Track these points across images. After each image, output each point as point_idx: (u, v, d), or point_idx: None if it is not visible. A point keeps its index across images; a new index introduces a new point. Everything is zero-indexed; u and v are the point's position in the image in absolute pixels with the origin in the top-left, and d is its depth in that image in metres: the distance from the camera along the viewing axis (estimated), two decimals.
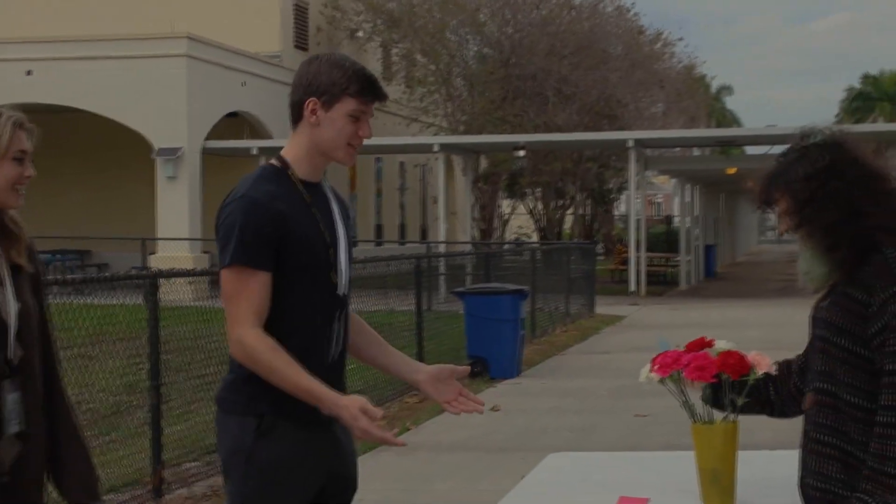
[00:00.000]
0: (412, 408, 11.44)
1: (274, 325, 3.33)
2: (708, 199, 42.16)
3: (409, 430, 10.24)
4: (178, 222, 26.72)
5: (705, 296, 29.46)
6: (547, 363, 15.34)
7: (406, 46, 35.51)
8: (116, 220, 29.88)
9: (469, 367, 3.80)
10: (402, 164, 38.99)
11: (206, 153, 27.69)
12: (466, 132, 33.94)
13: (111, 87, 26.60)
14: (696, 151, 43.89)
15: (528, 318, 16.10)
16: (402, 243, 36.50)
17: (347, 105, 3.39)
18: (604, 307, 23.35)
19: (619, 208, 56.41)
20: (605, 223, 51.02)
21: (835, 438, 2.99)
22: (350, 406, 3.24)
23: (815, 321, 3.09)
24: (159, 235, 26.87)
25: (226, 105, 28.48)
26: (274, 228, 3.33)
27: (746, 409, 3.35)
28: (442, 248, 29.53)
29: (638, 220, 30.67)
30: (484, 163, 36.56)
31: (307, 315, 3.40)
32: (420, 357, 12.82)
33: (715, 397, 3.35)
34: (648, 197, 51.84)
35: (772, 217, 3.23)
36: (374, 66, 33.01)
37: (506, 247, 32.70)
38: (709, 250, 39.38)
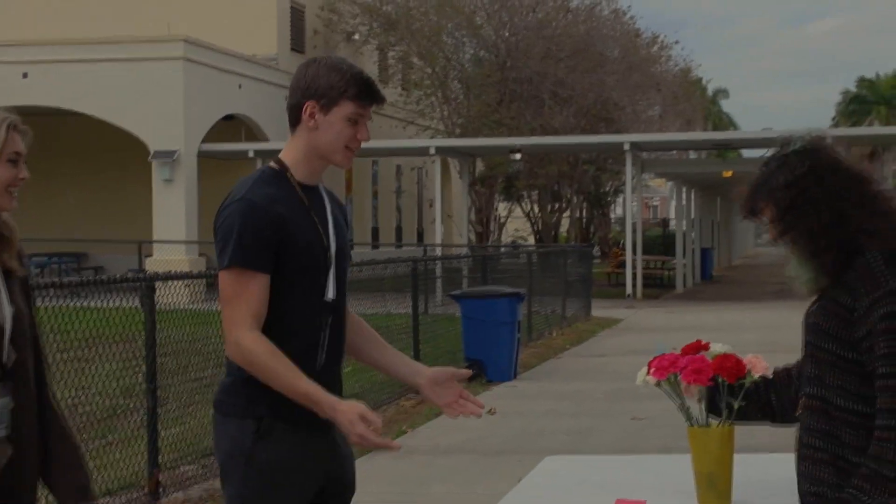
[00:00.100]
0: (408, 411, 11.44)
1: (270, 329, 3.33)
2: (704, 203, 42.19)
3: (405, 433, 10.24)
4: (174, 225, 26.70)
5: (701, 299, 29.47)
6: (543, 366, 15.34)
7: (402, 49, 35.54)
8: (113, 223, 29.87)
9: (469, 370, 3.79)
10: (398, 166, 39.00)
11: (203, 156, 27.68)
12: (463, 135, 33.96)
13: (107, 89, 26.60)
14: (692, 154, 43.97)
15: (525, 320, 16.10)
16: (399, 246, 36.50)
17: (346, 109, 3.40)
18: (600, 310, 23.36)
19: (616, 211, 56.49)
20: (602, 226, 51.05)
21: (826, 443, 3.01)
22: (348, 412, 3.24)
23: (806, 326, 3.11)
24: (155, 238, 26.86)
25: (222, 108, 28.48)
26: (273, 231, 3.33)
27: (749, 417, 3.37)
28: (438, 251, 29.53)
29: (634, 224, 30.68)
30: (480, 166, 36.57)
31: (303, 319, 3.40)
32: (416, 360, 12.82)
33: (714, 405, 3.37)
34: (645, 200, 51.89)
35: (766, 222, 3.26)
36: (370, 68, 33.03)
37: (502, 250, 32.71)
38: (705, 253, 39.42)
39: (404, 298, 13.51)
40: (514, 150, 30.02)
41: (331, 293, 3.45)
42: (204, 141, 27.64)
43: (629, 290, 28.68)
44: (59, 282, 7.02)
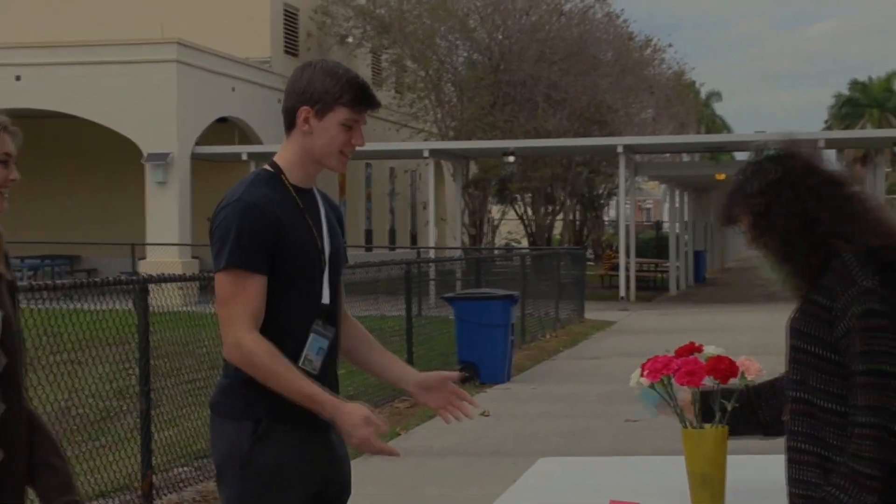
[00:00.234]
0: (402, 413, 11.45)
1: (265, 330, 3.33)
2: (697, 205, 42.24)
3: (399, 435, 10.24)
4: (167, 227, 26.68)
5: (695, 301, 29.50)
6: (537, 368, 15.35)
7: (396, 52, 35.53)
8: (106, 226, 29.84)
9: (460, 372, 3.79)
10: (391, 169, 38.99)
11: (196, 158, 27.66)
12: (456, 138, 33.96)
13: (101, 92, 26.57)
14: (685, 157, 44.02)
15: (518, 323, 16.12)
16: (392, 248, 36.49)
17: (340, 114, 3.40)
18: (593, 312, 23.37)
19: (609, 214, 56.51)
20: (595, 229, 51.05)
21: (812, 445, 3.03)
22: (353, 414, 3.25)
23: (790, 332, 3.14)
24: (149, 241, 26.83)
25: (215, 110, 28.47)
26: (270, 232, 3.33)
27: (741, 432, 3.39)
28: (432, 254, 29.53)
29: (627, 226, 30.71)
30: (474, 168, 36.58)
31: (298, 321, 3.40)
32: (410, 362, 12.82)
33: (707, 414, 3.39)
34: (638, 202, 51.93)
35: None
36: (363, 71, 33.03)
37: (496, 252, 32.72)
38: (698, 256, 39.45)
39: (398, 301, 13.52)
40: (507, 152, 30.03)
41: (325, 297, 3.45)
42: (197, 143, 27.62)
43: (622, 292, 28.70)
44: (52, 284, 7.01)
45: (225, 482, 3.41)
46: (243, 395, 3.36)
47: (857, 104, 72.43)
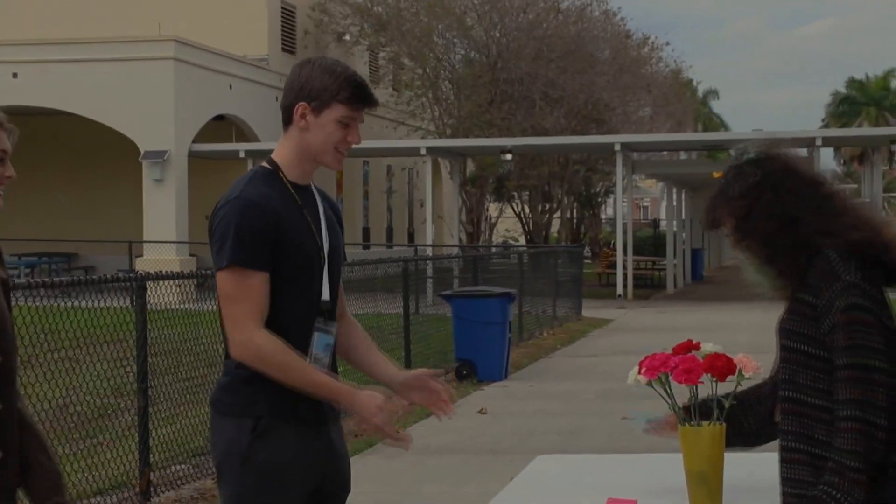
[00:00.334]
0: (399, 410, 11.44)
1: (265, 327, 3.35)
2: (695, 203, 42.24)
3: (396, 432, 10.23)
4: (164, 225, 26.67)
5: (692, 299, 29.51)
6: (534, 366, 15.36)
7: (393, 50, 35.52)
8: (103, 223, 29.82)
9: (436, 370, 3.77)
10: (389, 167, 38.99)
11: (193, 156, 27.65)
12: (453, 136, 33.96)
13: (98, 89, 26.55)
14: (682, 155, 44.04)
15: (516, 321, 16.12)
16: (390, 246, 36.49)
17: (337, 111, 3.41)
18: (591, 310, 23.37)
19: (606, 212, 56.53)
20: (593, 227, 51.08)
21: (803, 444, 3.05)
22: (368, 402, 3.31)
23: (779, 332, 3.17)
24: (146, 238, 26.81)
25: (213, 108, 28.46)
26: (270, 229, 3.33)
27: (729, 445, 3.42)
28: (429, 252, 29.53)
29: (625, 224, 30.70)
30: (471, 166, 36.58)
31: (297, 317, 3.40)
32: (407, 360, 12.83)
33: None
34: (635, 200, 51.97)
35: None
36: (361, 69, 33.00)
37: (493, 250, 32.72)
38: (696, 254, 39.47)
39: (395, 298, 13.52)
40: (504, 150, 30.03)
41: (326, 294, 3.46)
42: (194, 141, 27.61)
43: (620, 290, 28.71)
44: (50, 281, 7.01)
45: (225, 479, 3.42)
46: (243, 392, 3.37)
47: (855, 102, 72.48)
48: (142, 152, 26.72)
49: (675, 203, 36.94)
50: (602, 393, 12.48)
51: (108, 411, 10.10)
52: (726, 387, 3.36)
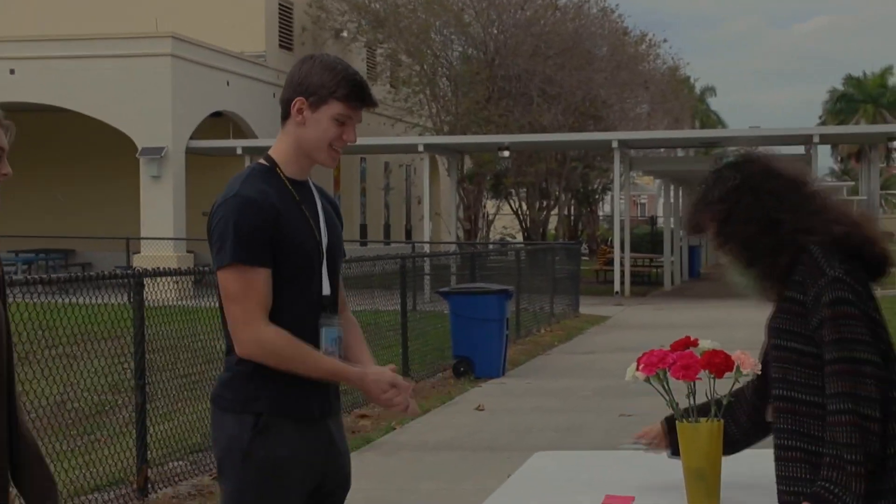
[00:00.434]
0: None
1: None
2: (692, 200, 42.20)
3: (394, 429, 10.25)
4: (162, 222, 26.66)
5: (689, 296, 29.51)
6: (532, 363, 15.36)
7: (391, 47, 35.50)
8: (100, 220, 29.80)
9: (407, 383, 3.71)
10: (386, 164, 38.97)
11: (191, 153, 27.63)
12: (451, 132, 33.95)
13: (95, 86, 26.53)
14: (680, 152, 44.01)
15: (513, 317, 16.12)
16: (387, 243, 36.48)
17: (334, 108, 3.41)
18: (588, 307, 23.38)
19: (604, 209, 56.57)
20: (590, 223, 51.12)
21: (798, 441, 3.06)
22: (378, 381, 3.41)
23: (769, 331, 3.20)
24: (143, 235, 26.81)
25: (210, 105, 28.44)
26: (268, 226, 3.34)
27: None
28: (427, 248, 29.53)
29: (622, 221, 30.71)
30: (468, 163, 36.57)
31: (296, 313, 3.41)
32: (405, 357, 12.84)
33: (678, 448, 3.45)
34: (633, 197, 51.98)
35: None
36: (358, 66, 32.99)
37: (490, 247, 32.73)
38: (693, 251, 39.46)
39: (393, 295, 13.52)
40: (502, 147, 30.02)
41: (326, 289, 3.47)
42: (192, 138, 27.59)
43: (617, 287, 28.71)
44: (47, 278, 7.00)
45: (225, 475, 3.43)
46: (244, 388, 3.38)
47: (852, 100, 72.52)
48: (139, 149, 26.70)
49: (672, 200, 36.94)
50: (599, 390, 12.48)
51: (106, 408, 10.10)
52: (723, 384, 3.36)
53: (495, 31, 35.51)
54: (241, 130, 30.18)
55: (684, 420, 3.36)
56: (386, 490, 8.04)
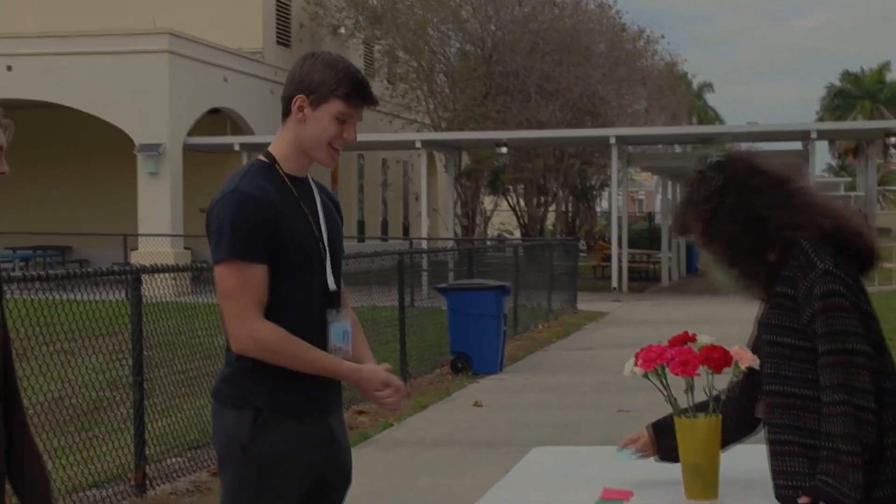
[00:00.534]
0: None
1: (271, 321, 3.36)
2: None
3: (391, 425, 10.25)
4: (159, 218, 26.64)
5: (687, 292, 29.51)
6: (529, 359, 15.36)
7: (388, 43, 35.47)
8: (98, 216, 29.79)
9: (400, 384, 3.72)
10: (384, 160, 38.96)
11: (188, 149, 27.62)
12: (448, 129, 33.93)
13: (92, 82, 26.51)
14: (678, 148, 43.99)
15: (511, 314, 16.12)
16: (385, 239, 36.48)
17: (334, 106, 3.41)
18: (586, 303, 23.39)
19: (602, 205, 56.53)
20: (588, 220, 51.11)
21: (794, 435, 3.07)
22: (373, 379, 3.44)
23: (760, 328, 3.20)
24: (141, 231, 26.79)
25: (208, 101, 28.42)
26: (266, 223, 3.34)
27: (677, 458, 3.45)
28: (424, 245, 29.53)
29: (620, 217, 30.71)
30: (466, 159, 36.56)
31: (298, 310, 3.41)
32: (403, 353, 12.83)
33: (668, 450, 3.49)
34: (630, 194, 51.95)
35: None
36: (355, 62, 32.75)
37: (488, 243, 32.73)
38: (690, 247, 39.43)
39: (390, 291, 13.52)
40: (499, 143, 30.02)
41: (332, 284, 3.48)
42: (189, 134, 27.58)
43: (615, 283, 28.72)
44: (45, 274, 7.00)
45: (225, 470, 3.44)
46: (244, 383, 3.39)
47: (849, 96, 72.50)
48: (137, 145, 26.68)
49: (669, 196, 36.93)
50: (597, 386, 12.49)
51: (104, 404, 10.09)
52: (721, 380, 3.37)
53: (493, 28, 35.50)
54: (239, 127, 30.16)
55: (682, 415, 3.36)
56: (384, 486, 8.04)
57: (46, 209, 30.23)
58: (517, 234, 43.22)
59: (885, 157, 64.09)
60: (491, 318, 13.70)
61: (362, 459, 8.52)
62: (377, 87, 32.14)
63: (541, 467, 3.99)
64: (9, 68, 26.93)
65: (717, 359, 3.27)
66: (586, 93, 35.47)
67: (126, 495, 7.55)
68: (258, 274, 3.33)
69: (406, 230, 40.51)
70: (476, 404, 11.46)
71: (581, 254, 35.90)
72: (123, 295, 8.39)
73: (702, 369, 3.27)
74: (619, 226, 30.21)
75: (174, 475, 8.11)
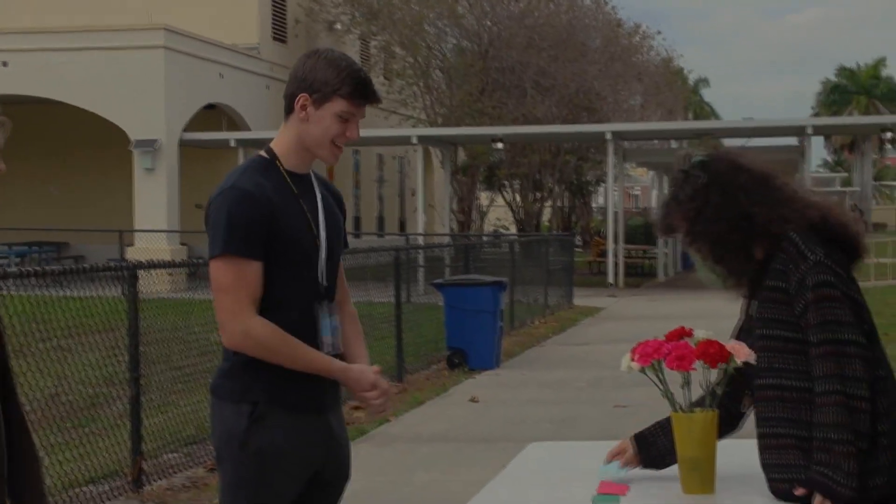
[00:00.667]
0: (392, 398, 11.43)
1: (265, 316, 3.36)
2: None
3: (388, 421, 10.25)
4: (155, 214, 26.63)
5: (682, 287, 29.53)
6: (526, 354, 15.37)
7: (384, 39, 35.45)
8: (93, 212, 29.77)
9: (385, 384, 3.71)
10: (380, 156, 38.94)
11: (184, 145, 27.60)
12: (445, 124, 33.91)
13: (88, 78, 26.48)
14: (674, 144, 44.01)
15: (507, 309, 16.13)
16: (381, 235, 36.48)
17: (337, 105, 3.41)
18: (582, 299, 23.40)
19: (597, 200, 56.51)
20: (583, 215, 51.08)
21: (788, 428, 3.08)
22: (361, 379, 3.44)
23: (752, 322, 3.22)
24: (137, 227, 26.77)
25: (203, 97, 28.39)
26: (263, 220, 3.34)
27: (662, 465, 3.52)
28: (420, 240, 29.52)
29: (616, 213, 30.73)
30: (462, 155, 36.55)
31: (296, 307, 3.41)
32: (399, 348, 12.83)
33: (650, 459, 3.52)
34: (626, 189, 51.96)
35: None
36: (352, 58, 32.89)
37: (484, 239, 32.73)
38: None
39: (387, 287, 13.52)
40: (496, 139, 30.01)
41: (324, 279, 3.47)
42: (185, 130, 27.55)
43: (611, 278, 28.74)
44: (41, 270, 6.99)
45: (223, 464, 3.44)
46: (241, 378, 3.40)
47: (845, 91, 72.55)
48: (132, 141, 26.66)
49: (665, 192, 36.91)
50: (594, 381, 12.50)
51: (100, 400, 10.09)
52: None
53: (489, 23, 35.47)
54: (235, 123, 30.14)
55: (679, 410, 3.37)
56: (380, 481, 8.04)
57: (42, 205, 30.20)
58: (513, 229, 43.21)
59: (880, 153, 64.12)
60: (487, 313, 13.71)
61: (359, 455, 8.50)
62: (373, 82, 32.07)
63: (537, 463, 3.99)
64: (4, 64, 26.90)
65: (714, 354, 3.27)
66: (582, 88, 35.46)
67: (122, 491, 7.56)
68: (254, 270, 3.33)
69: (402, 226, 40.50)
70: (472, 400, 11.47)
71: (577, 249, 35.92)
72: (119, 291, 8.38)
73: (698, 364, 3.28)
74: (615, 221, 30.23)
75: (171, 471, 8.11)
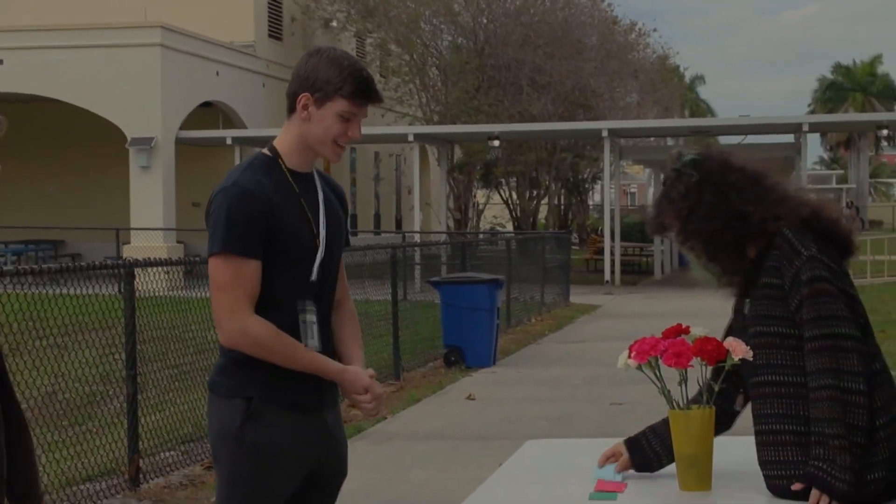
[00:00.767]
0: (389, 397, 11.45)
1: (261, 314, 3.36)
2: None
3: (385, 419, 10.25)
4: (151, 212, 26.62)
5: (679, 285, 29.52)
6: (522, 352, 15.37)
7: (380, 36, 35.45)
8: (90, 210, 29.75)
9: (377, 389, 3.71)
10: (376, 154, 38.94)
11: (180, 143, 27.59)
12: (441, 122, 33.91)
13: (84, 76, 26.46)
14: (670, 141, 44.04)
15: (504, 307, 16.13)
16: (378, 233, 36.48)
17: (339, 105, 3.40)
18: (578, 296, 23.40)
19: (594, 198, 56.56)
20: (580, 213, 51.12)
21: (787, 424, 3.08)
22: (355, 382, 3.44)
23: (746, 321, 3.22)
24: (133, 225, 26.76)
25: (200, 95, 28.38)
26: (263, 218, 3.34)
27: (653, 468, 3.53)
28: (417, 238, 29.52)
29: (612, 210, 30.73)
30: (458, 153, 36.55)
31: (292, 305, 3.41)
32: (396, 346, 12.83)
33: (643, 462, 3.53)
34: (623, 187, 51.99)
35: None
36: None
37: (481, 236, 32.73)
38: None
39: (383, 285, 13.52)
40: (492, 136, 30.01)
41: (314, 275, 3.47)
42: (181, 128, 27.54)
43: (607, 276, 28.75)
44: (38, 268, 6.99)
45: (219, 461, 3.45)
46: (237, 374, 3.40)
47: (841, 88, 72.58)
48: (129, 139, 26.65)
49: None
50: (590, 379, 12.50)
51: (97, 398, 10.09)
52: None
53: (485, 21, 35.47)
54: (231, 120, 30.13)
55: (675, 407, 3.37)
56: (376, 479, 8.04)
57: (38, 203, 30.18)
58: (509, 227, 43.22)
59: (876, 150, 64.25)
60: (484, 311, 13.71)
61: (355, 452, 8.49)
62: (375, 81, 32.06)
63: (534, 460, 3.99)
64: (0, 62, 26.86)
65: (711, 351, 3.27)
66: (578, 86, 35.46)
67: (119, 489, 7.55)
68: (252, 269, 3.33)
69: (399, 224, 40.50)
70: (469, 398, 11.47)
71: (573, 247, 35.92)
72: (116, 289, 8.38)
73: (695, 361, 3.28)
74: (612, 219, 30.23)
75: (168, 469, 8.11)
